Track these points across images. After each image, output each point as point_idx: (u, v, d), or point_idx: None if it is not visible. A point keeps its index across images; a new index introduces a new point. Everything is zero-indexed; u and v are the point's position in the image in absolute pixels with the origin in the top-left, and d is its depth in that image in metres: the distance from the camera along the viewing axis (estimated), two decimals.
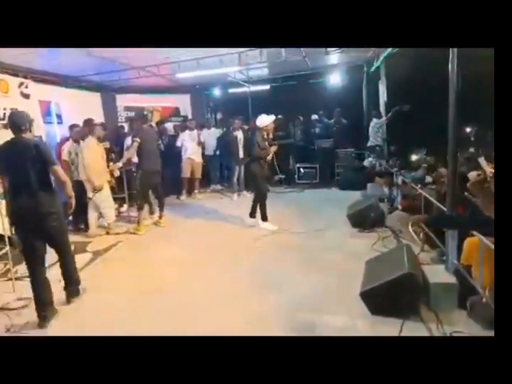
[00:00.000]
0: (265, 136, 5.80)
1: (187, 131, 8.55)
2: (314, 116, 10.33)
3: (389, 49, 7.10)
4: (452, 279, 3.35)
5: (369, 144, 8.99)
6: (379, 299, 3.19)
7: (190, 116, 10.74)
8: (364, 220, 5.50)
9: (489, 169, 4.57)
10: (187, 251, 5.03)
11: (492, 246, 2.75)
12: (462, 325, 2.94)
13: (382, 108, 8.86)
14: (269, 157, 5.91)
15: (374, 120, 8.83)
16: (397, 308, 3.12)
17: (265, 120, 5.79)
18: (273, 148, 5.94)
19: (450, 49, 3.36)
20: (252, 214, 6.08)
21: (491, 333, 2.66)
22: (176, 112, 10.95)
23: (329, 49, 7.70)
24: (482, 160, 4.56)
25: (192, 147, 8.45)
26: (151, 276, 4.29)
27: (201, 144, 8.70)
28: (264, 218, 5.95)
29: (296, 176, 9.77)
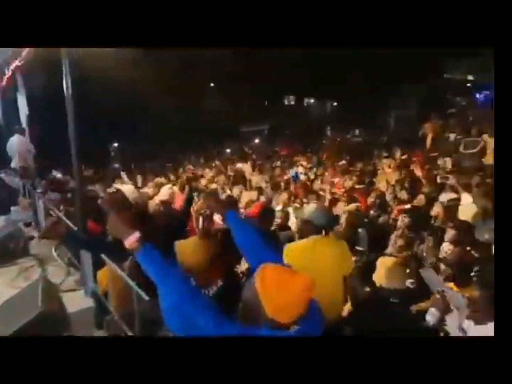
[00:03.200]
0: None
1: None
2: None
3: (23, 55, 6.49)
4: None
5: (13, 165, 7.84)
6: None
7: None
8: (3, 250, 4.79)
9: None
10: None
11: (118, 270, 2.97)
12: None
13: (24, 121, 7.99)
14: None
15: (16, 136, 7.75)
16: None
17: None
18: None
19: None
20: None
21: None
22: None
23: None
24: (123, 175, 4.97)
25: None
26: None
27: None
28: None
29: None
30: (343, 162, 8.53)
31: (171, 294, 1.44)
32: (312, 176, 7.38)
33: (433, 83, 15.25)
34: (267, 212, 3.59)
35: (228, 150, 11.55)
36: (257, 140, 15.72)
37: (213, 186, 6.76)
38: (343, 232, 4.23)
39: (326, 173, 7.52)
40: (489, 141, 6.90)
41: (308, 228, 2.84)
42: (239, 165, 8.03)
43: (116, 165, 10.36)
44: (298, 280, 1.37)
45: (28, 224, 6.04)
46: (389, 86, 15.60)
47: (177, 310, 1.41)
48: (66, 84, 3.58)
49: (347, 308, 3.00)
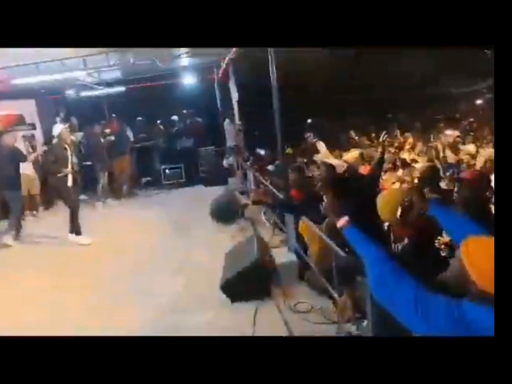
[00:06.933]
0: (64, 146, 5.56)
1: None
2: (174, 117, 10.63)
3: (233, 50, 7.55)
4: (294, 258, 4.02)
5: (228, 144, 9.61)
6: (236, 288, 3.55)
7: (38, 124, 9.81)
8: (225, 214, 5.94)
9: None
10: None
11: (317, 231, 3.37)
12: (303, 296, 3.55)
13: (235, 107, 9.43)
14: (67, 170, 5.56)
15: (227, 120, 9.46)
16: (252, 292, 3.54)
17: (56, 130, 5.66)
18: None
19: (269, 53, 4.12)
20: (73, 229, 5.66)
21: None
22: (20, 120, 9.78)
23: (179, 52, 7.90)
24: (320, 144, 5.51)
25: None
26: None
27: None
28: (74, 231, 5.67)
29: (162, 177, 9.85)
30: None
31: (374, 268, 1.58)
32: None
33: None
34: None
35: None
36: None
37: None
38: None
39: None
40: None
41: None
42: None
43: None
44: None
45: (242, 192, 7.25)
46: None
47: (381, 282, 1.54)
48: (272, 76, 4.27)
49: None
